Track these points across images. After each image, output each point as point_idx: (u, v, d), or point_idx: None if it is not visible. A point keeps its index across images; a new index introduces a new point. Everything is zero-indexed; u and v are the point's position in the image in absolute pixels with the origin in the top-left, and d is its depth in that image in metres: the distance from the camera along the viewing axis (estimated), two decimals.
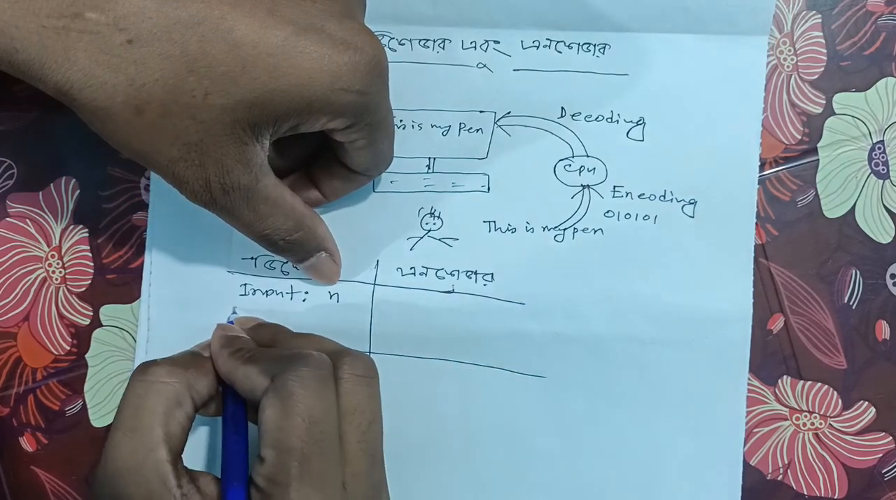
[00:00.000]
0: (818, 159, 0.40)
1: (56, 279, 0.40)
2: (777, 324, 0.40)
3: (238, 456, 0.32)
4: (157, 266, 0.39)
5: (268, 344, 0.36)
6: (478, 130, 0.40)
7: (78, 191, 0.40)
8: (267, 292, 0.39)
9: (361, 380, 0.33)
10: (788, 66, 0.40)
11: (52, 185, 0.40)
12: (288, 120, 0.30)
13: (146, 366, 0.33)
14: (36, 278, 0.40)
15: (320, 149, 0.37)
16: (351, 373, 0.33)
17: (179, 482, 0.31)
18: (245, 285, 0.39)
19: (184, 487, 0.30)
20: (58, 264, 0.40)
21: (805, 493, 0.40)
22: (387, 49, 0.32)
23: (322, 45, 0.29)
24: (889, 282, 0.40)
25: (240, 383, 0.33)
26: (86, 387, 0.40)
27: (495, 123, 0.39)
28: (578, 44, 0.39)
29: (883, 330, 0.40)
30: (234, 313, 0.39)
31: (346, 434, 0.32)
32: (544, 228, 0.39)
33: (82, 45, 0.28)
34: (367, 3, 0.33)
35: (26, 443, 0.40)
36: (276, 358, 0.33)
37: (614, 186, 0.39)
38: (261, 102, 0.29)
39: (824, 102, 0.40)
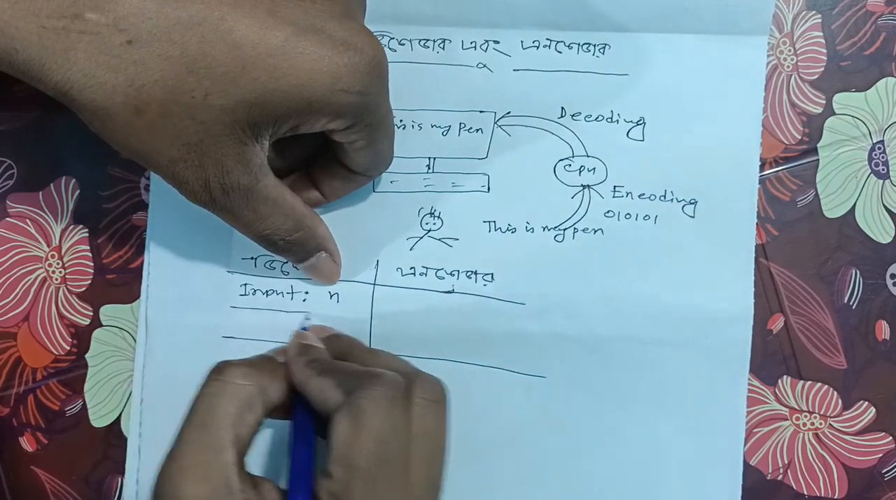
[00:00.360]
0: (818, 159, 0.40)
1: (56, 279, 0.40)
2: (777, 324, 0.40)
3: (305, 468, 0.32)
4: (156, 266, 0.39)
5: (342, 356, 0.36)
6: (478, 130, 0.40)
7: (78, 191, 0.40)
8: (267, 292, 0.39)
9: (432, 405, 0.33)
10: (788, 66, 0.40)
11: (52, 185, 0.40)
12: (288, 120, 0.30)
13: (222, 365, 0.33)
14: (36, 278, 0.40)
15: (320, 149, 0.37)
16: (423, 397, 0.32)
17: (242, 486, 0.31)
18: (245, 284, 0.39)
19: (246, 492, 0.31)
20: (58, 264, 0.40)
21: (805, 493, 0.40)
22: (387, 49, 0.32)
23: (322, 46, 0.29)
24: (889, 282, 0.40)
25: (313, 393, 0.33)
26: (86, 387, 0.40)
27: (495, 122, 0.39)
28: (578, 44, 0.39)
29: (883, 330, 0.40)
30: (308, 319, 0.39)
31: (412, 459, 0.32)
32: (544, 228, 0.39)
33: (82, 45, 0.28)
34: (367, 3, 0.33)
35: (26, 443, 0.40)
36: (351, 374, 0.33)
37: (614, 186, 0.39)
38: (261, 103, 0.29)
39: (824, 102, 0.40)
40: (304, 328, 0.38)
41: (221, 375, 0.33)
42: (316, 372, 0.33)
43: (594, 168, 0.39)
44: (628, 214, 0.39)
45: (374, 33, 0.31)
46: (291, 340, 0.36)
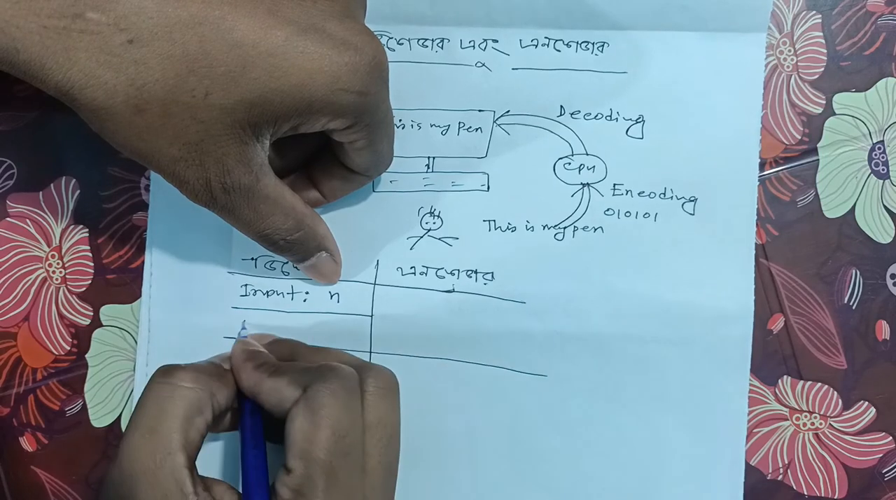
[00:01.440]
0: (818, 159, 0.40)
1: (56, 279, 0.40)
2: (777, 324, 0.40)
3: (259, 470, 0.32)
4: (157, 266, 0.39)
5: (287, 359, 0.36)
6: (477, 129, 0.40)
7: (78, 191, 0.40)
8: (267, 292, 0.39)
9: (385, 393, 0.33)
10: (788, 67, 0.40)
11: (52, 185, 0.40)
12: (288, 120, 0.30)
13: (170, 369, 0.33)
14: (36, 278, 0.40)
15: (320, 149, 0.37)
16: (375, 386, 0.33)
17: (195, 488, 0.30)
18: (245, 285, 0.39)
19: (199, 494, 0.30)
20: (58, 263, 0.40)
21: (805, 493, 0.40)
22: (385, 49, 0.32)
23: (322, 46, 0.29)
24: (889, 282, 0.40)
25: (266, 395, 0.33)
26: (86, 387, 0.40)
27: (494, 121, 0.39)
28: (577, 42, 0.39)
29: (883, 330, 0.40)
30: (244, 328, 0.39)
31: (368, 447, 0.32)
32: (544, 227, 0.39)
33: (83, 45, 0.28)
34: (367, 3, 0.33)
35: (26, 443, 0.40)
36: (304, 370, 0.33)
37: (614, 184, 0.39)
38: (261, 102, 0.29)
39: (824, 102, 0.40)
40: (243, 336, 0.38)
41: (170, 378, 0.32)
42: (267, 374, 0.33)
43: (594, 166, 0.39)
44: (628, 211, 0.39)
45: (374, 32, 0.31)
46: (234, 347, 0.36)
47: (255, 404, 0.34)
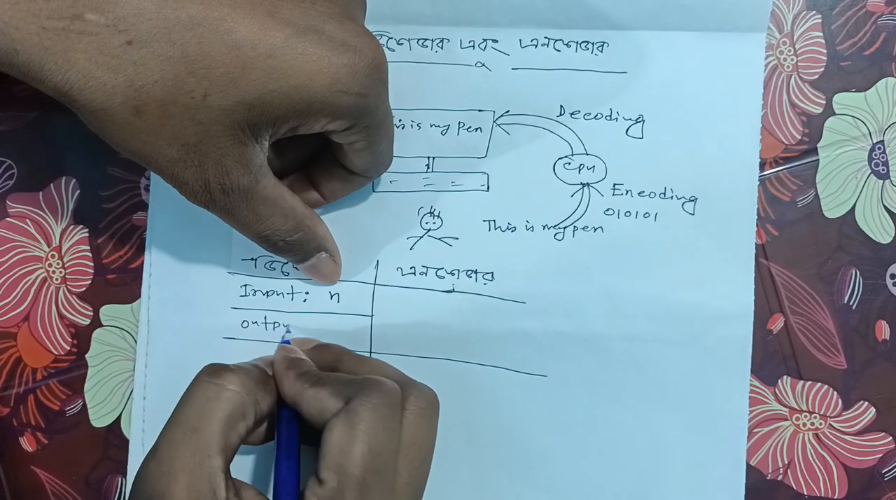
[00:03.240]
0: (818, 159, 0.40)
1: (56, 279, 0.40)
2: (777, 324, 0.40)
3: (291, 480, 0.32)
4: (156, 266, 0.39)
5: (330, 367, 0.36)
6: (477, 129, 0.40)
7: (78, 191, 0.40)
8: (267, 292, 0.39)
9: (425, 414, 0.33)
10: (788, 67, 0.40)
11: (52, 185, 0.40)
12: (287, 121, 0.30)
13: (218, 370, 0.33)
14: (36, 278, 0.40)
15: (320, 150, 0.37)
16: (416, 405, 0.33)
17: (227, 494, 0.30)
18: (245, 285, 0.39)
19: (230, 499, 0.31)
20: (58, 264, 0.40)
21: (805, 493, 0.40)
22: (385, 49, 0.32)
23: (321, 47, 0.29)
24: (889, 282, 0.40)
25: (307, 404, 0.32)
26: (86, 387, 0.40)
27: (494, 121, 0.39)
28: (577, 42, 0.39)
29: (883, 330, 0.40)
30: (289, 331, 0.39)
31: (400, 466, 0.32)
32: (544, 227, 0.39)
33: (82, 46, 0.28)
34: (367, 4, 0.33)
35: (26, 443, 0.40)
36: (347, 382, 0.33)
37: (614, 184, 0.39)
38: (260, 104, 0.29)
39: (824, 102, 0.40)
40: (287, 342, 0.38)
41: (218, 379, 0.32)
42: (309, 384, 0.33)
43: (594, 166, 0.39)
44: (628, 211, 0.39)
45: (373, 33, 0.31)
46: (276, 354, 0.36)
47: (294, 413, 0.34)
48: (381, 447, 0.31)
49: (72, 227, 0.40)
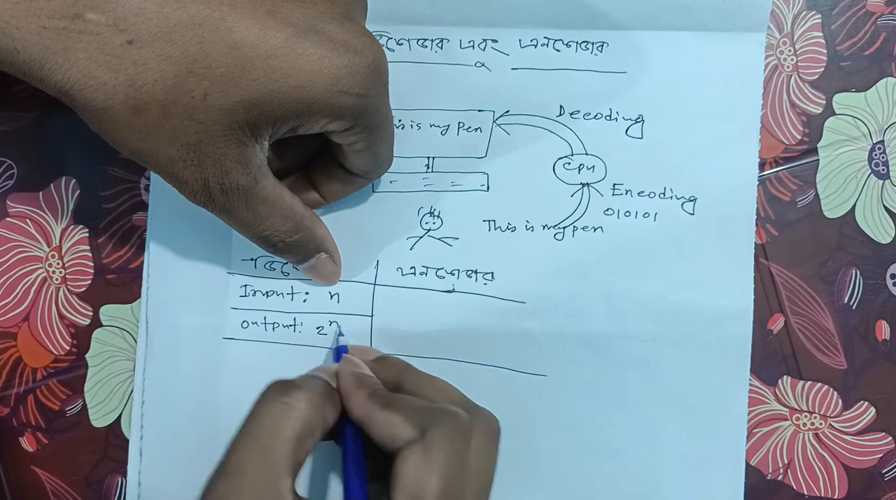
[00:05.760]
0: (818, 159, 0.40)
1: (56, 279, 0.40)
2: (777, 324, 0.40)
3: (360, 497, 0.32)
4: (156, 266, 0.39)
5: (393, 381, 0.36)
6: (477, 129, 0.40)
7: (78, 191, 0.40)
8: (267, 292, 0.39)
9: (489, 442, 0.33)
10: (788, 67, 0.40)
11: (52, 185, 0.40)
12: (287, 122, 0.30)
13: (286, 387, 0.32)
14: (36, 278, 0.40)
15: (320, 151, 0.37)
16: (482, 433, 0.33)
17: None
18: (245, 285, 0.39)
19: None
20: (58, 264, 0.40)
21: (805, 493, 0.40)
22: (385, 49, 0.32)
23: (322, 48, 0.29)
24: (889, 282, 0.40)
25: (378, 428, 0.32)
26: (86, 387, 0.40)
27: (494, 121, 0.39)
28: (577, 42, 0.39)
29: (883, 330, 0.40)
30: (342, 334, 0.39)
31: (467, 494, 0.32)
32: (544, 227, 0.39)
33: (82, 45, 0.28)
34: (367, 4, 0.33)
35: (26, 443, 0.40)
36: (420, 410, 0.32)
37: (614, 184, 0.39)
38: (260, 104, 0.29)
39: (824, 102, 0.40)
40: (343, 346, 0.38)
41: (286, 397, 0.32)
42: (380, 406, 0.32)
43: (593, 166, 0.39)
44: (628, 211, 0.39)
45: (373, 33, 0.31)
46: (342, 366, 0.35)
47: (358, 429, 0.33)
48: (454, 478, 0.30)
49: (72, 227, 0.40)
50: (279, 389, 0.32)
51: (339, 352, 0.37)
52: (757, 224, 0.39)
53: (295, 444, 0.31)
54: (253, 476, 0.30)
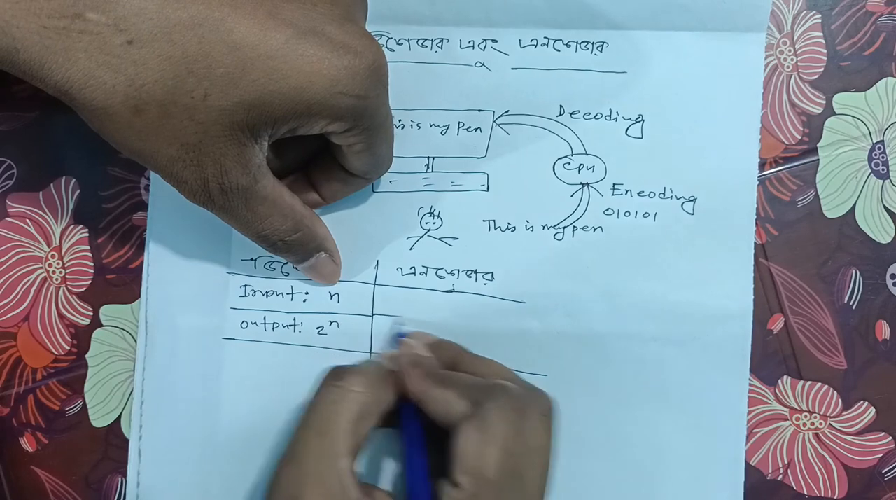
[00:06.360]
0: (818, 159, 0.40)
1: (56, 279, 0.40)
2: (777, 324, 0.40)
3: (423, 479, 0.33)
4: (156, 266, 0.39)
5: (450, 364, 0.36)
6: (476, 129, 0.40)
7: (78, 191, 0.40)
8: (267, 292, 0.39)
9: (546, 419, 0.33)
10: (788, 67, 0.40)
11: (52, 185, 0.40)
12: (286, 122, 0.30)
13: (341, 372, 0.33)
14: (36, 278, 0.40)
15: (320, 151, 0.37)
16: (539, 411, 0.33)
17: (358, 494, 0.31)
18: (245, 285, 0.39)
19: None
20: (58, 263, 0.40)
21: (805, 493, 0.40)
22: (385, 49, 0.32)
23: (322, 49, 0.29)
24: (889, 282, 0.40)
25: (435, 404, 0.33)
26: (86, 387, 0.40)
27: (494, 121, 0.39)
28: (577, 42, 0.39)
29: (883, 330, 0.40)
30: (402, 324, 0.39)
31: (526, 471, 0.32)
32: (544, 227, 0.39)
33: (82, 45, 0.28)
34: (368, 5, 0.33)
35: (26, 443, 0.40)
36: (474, 385, 0.33)
37: (614, 184, 0.39)
38: (259, 104, 0.29)
39: (824, 102, 0.40)
40: (402, 334, 0.38)
41: (341, 382, 0.33)
42: (435, 383, 0.33)
43: (593, 166, 0.39)
44: (628, 211, 0.39)
45: (372, 33, 0.31)
46: (401, 349, 0.36)
47: (416, 409, 0.34)
48: (512, 449, 0.31)
49: (72, 227, 0.40)
50: (335, 374, 0.34)
51: (396, 337, 0.38)
52: (757, 224, 0.39)
53: (352, 426, 0.32)
54: (313, 460, 0.32)
